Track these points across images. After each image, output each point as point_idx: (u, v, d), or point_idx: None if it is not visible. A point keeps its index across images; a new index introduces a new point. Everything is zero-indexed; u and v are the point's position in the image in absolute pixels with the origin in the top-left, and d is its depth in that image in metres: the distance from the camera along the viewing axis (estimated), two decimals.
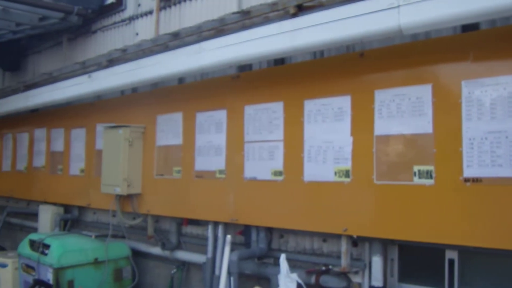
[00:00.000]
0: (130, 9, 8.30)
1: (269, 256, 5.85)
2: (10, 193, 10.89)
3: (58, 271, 6.61)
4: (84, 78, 7.37)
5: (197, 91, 6.59)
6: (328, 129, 5.10)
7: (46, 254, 6.83)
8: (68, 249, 6.83)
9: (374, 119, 4.77)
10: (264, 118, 5.64)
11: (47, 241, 6.98)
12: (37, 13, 9.04)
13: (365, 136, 4.82)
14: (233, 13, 5.59)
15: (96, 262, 6.94)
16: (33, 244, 7.22)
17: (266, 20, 5.21)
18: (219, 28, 5.65)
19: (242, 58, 5.21)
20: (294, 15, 4.81)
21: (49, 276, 6.69)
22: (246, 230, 5.99)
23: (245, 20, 5.36)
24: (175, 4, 7.39)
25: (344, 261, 4.99)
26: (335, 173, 5.02)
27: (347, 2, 4.48)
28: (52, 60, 10.34)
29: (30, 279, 7.12)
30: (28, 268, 7.21)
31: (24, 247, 7.39)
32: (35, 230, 9.50)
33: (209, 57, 5.47)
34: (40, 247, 6.99)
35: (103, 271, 6.96)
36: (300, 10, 4.85)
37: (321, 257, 5.40)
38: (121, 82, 6.75)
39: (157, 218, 7.32)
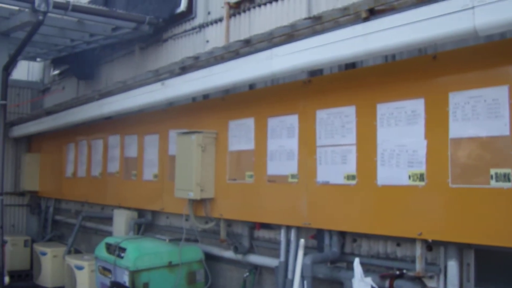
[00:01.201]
0: (200, 17, 8.44)
1: (341, 260, 5.82)
2: (85, 198, 11.27)
3: (134, 273, 6.79)
4: (157, 85, 7.56)
5: (268, 97, 6.64)
6: (402, 132, 5.06)
7: (122, 257, 7.03)
8: (143, 253, 7.01)
9: (448, 122, 4.71)
10: (337, 122, 5.65)
11: (123, 245, 7.19)
12: (110, 23, 9.36)
13: (439, 139, 4.76)
14: (305, 18, 5.62)
15: (170, 265, 7.09)
16: (109, 247, 7.44)
17: (337, 25, 5.23)
18: (290, 34, 5.69)
19: (314, 63, 5.24)
20: (366, 19, 4.81)
21: (125, 279, 6.87)
22: (318, 234, 6.00)
23: (316, 25, 5.38)
24: (244, 11, 7.47)
25: (419, 266, 4.94)
26: (409, 177, 4.98)
27: (419, 4, 4.46)
28: (124, 68, 10.63)
29: (106, 281, 7.33)
30: (105, 270, 7.42)
31: (101, 250, 7.62)
32: (109, 233, 9.77)
33: (281, 63, 5.53)
34: (116, 250, 7.20)
35: (177, 274, 7.10)
36: (372, 14, 4.85)
37: (395, 261, 5.34)
38: (194, 89, 6.89)
39: (229, 222, 7.40)
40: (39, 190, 14.01)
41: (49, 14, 7.88)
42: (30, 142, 14.75)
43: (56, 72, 14.14)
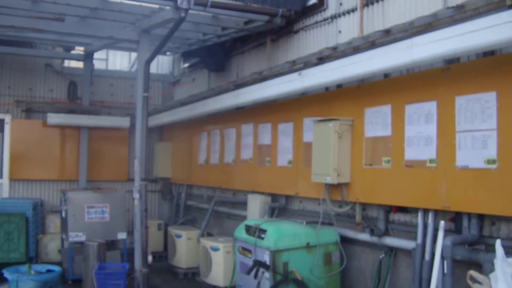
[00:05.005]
0: (331, 8, 8.63)
1: (480, 243, 5.94)
2: (218, 184, 11.83)
3: (275, 253, 7.19)
4: (294, 75, 7.87)
5: (405, 84, 6.80)
6: None
7: (262, 238, 7.43)
8: (283, 234, 7.39)
9: None
10: (476, 108, 5.78)
11: (263, 226, 7.60)
12: (243, 17, 9.73)
13: None
14: (447, 8, 5.76)
15: (308, 247, 7.44)
16: (249, 229, 7.88)
17: (478, 13, 5.35)
18: (429, 24, 5.86)
19: (455, 51, 5.37)
20: (511, 7, 4.91)
21: (265, 258, 7.28)
22: (457, 217, 6.15)
23: (457, 14, 5.53)
24: (377, 1, 7.60)
25: None
26: None
27: None
28: (255, 60, 11.05)
29: (246, 261, 7.78)
30: (245, 250, 7.88)
31: (240, 232, 8.08)
32: (241, 218, 10.26)
33: (422, 52, 5.70)
34: (257, 231, 7.61)
35: (314, 255, 7.43)
36: None
37: None
38: (332, 79, 7.15)
39: (364, 206, 7.66)
40: (171, 177, 14.83)
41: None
42: (162, 131, 15.63)
43: (186, 65, 14.82)
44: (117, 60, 20.59)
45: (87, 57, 14.04)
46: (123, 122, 14.26)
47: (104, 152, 14.84)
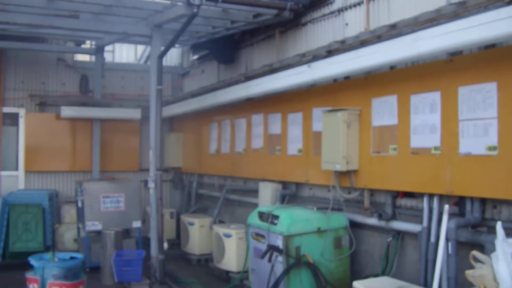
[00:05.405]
0: (338, 2, 8.89)
1: (482, 225, 6.25)
2: (229, 172, 12.14)
3: (288, 238, 7.50)
4: (304, 67, 8.17)
5: (410, 76, 7.09)
6: None
7: (275, 224, 7.75)
8: (295, 219, 7.69)
9: None
10: (478, 98, 6.07)
11: (275, 213, 7.91)
12: (252, 11, 9.96)
13: None
14: (450, 4, 6.07)
15: (319, 231, 7.74)
16: (262, 216, 8.18)
17: (479, 9, 5.65)
18: (433, 18, 6.16)
19: (458, 44, 5.68)
20: (510, 3, 5.20)
21: (278, 243, 7.59)
22: (460, 201, 6.47)
23: (459, 10, 5.83)
24: None
25: None
26: None
27: None
28: (264, 52, 11.32)
29: (259, 246, 8.09)
30: (258, 236, 8.18)
31: (253, 218, 8.39)
32: (252, 205, 10.61)
33: (426, 45, 6.00)
34: (270, 217, 7.92)
35: (325, 239, 7.74)
36: None
37: None
38: (340, 71, 7.44)
39: (372, 192, 7.97)
40: (182, 167, 15.16)
41: None
42: (172, 122, 15.95)
43: (195, 56, 15.08)
44: (124, 52, 20.87)
45: (98, 51, 14.34)
46: (135, 113, 14.60)
47: (116, 143, 15.18)
